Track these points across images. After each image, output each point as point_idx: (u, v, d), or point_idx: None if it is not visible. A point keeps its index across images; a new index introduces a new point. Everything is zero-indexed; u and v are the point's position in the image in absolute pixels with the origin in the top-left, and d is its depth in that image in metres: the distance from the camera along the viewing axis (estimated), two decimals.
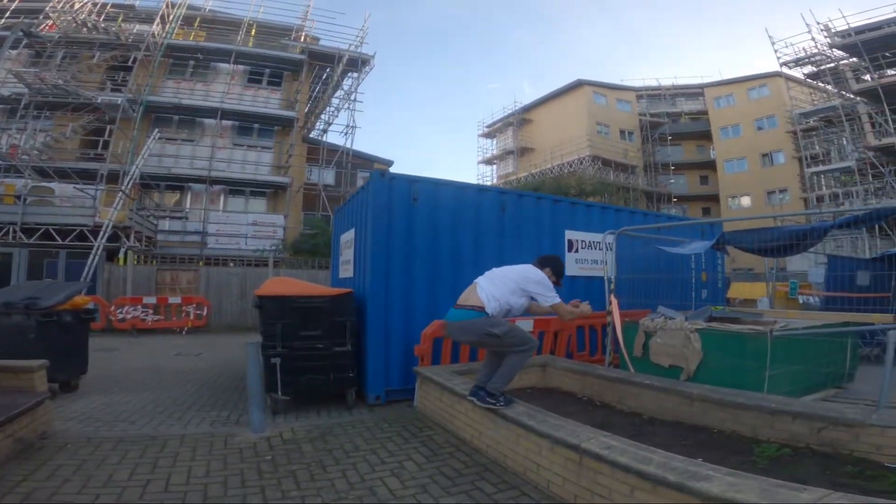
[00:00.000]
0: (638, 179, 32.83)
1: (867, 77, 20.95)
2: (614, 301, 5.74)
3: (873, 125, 20.40)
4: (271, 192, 20.76)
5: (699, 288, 7.88)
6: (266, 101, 21.23)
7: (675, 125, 34.56)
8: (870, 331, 5.90)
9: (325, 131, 23.78)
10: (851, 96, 22.03)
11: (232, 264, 16.72)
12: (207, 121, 20.12)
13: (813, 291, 10.51)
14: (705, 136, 33.25)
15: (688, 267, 7.66)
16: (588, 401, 4.69)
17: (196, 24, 21.37)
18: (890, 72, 20.26)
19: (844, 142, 23.46)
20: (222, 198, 20.21)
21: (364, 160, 23.75)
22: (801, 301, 10.86)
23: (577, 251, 7.26)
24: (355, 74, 22.62)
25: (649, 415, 4.16)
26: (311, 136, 23.90)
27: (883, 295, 8.01)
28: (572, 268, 7.15)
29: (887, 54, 20.15)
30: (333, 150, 22.16)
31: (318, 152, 21.77)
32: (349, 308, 5.23)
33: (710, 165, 33.04)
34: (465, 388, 4.04)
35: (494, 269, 3.82)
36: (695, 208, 33.41)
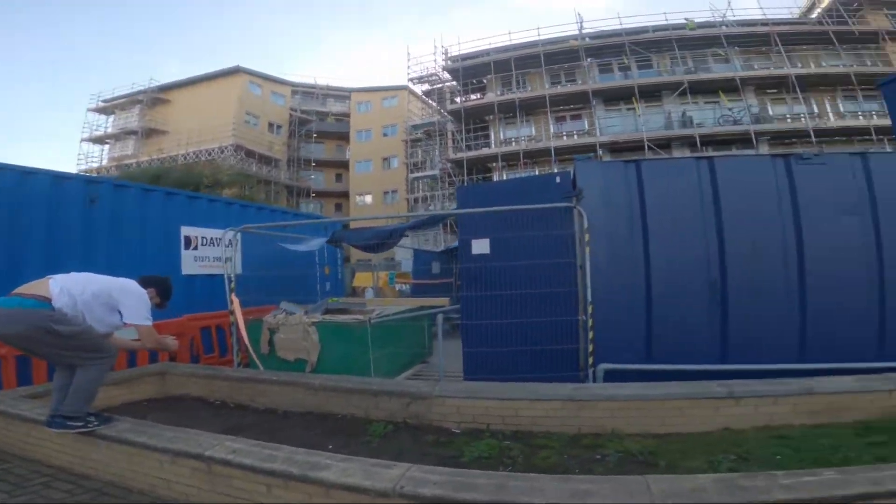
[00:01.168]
0: (281, 173, 33.40)
1: (458, 99, 27.44)
2: (235, 300, 5.56)
3: (454, 141, 27.01)
4: None
5: (323, 281, 8.57)
6: None
7: (322, 124, 36.58)
8: (435, 313, 7.74)
9: None
10: (445, 114, 28.25)
11: None
12: None
13: (407, 280, 13.25)
14: (345, 137, 36.32)
15: (312, 262, 8.19)
16: (221, 404, 4.54)
17: None
18: (473, 96, 27.14)
19: (435, 153, 30.20)
20: None
21: None
22: (397, 289, 13.52)
23: (196, 248, 6.67)
24: None
25: (283, 409, 4.26)
26: None
27: (447, 281, 10.80)
28: (191, 266, 6.57)
29: (474, 81, 26.57)
30: None
31: None
32: None
33: (345, 165, 36.51)
34: (41, 412, 3.31)
35: (83, 273, 3.18)
36: (330, 204, 36.28)
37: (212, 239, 6.85)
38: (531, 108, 24.93)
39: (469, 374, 4.92)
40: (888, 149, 17.38)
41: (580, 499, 2.01)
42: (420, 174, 30.14)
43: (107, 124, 34.14)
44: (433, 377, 5.91)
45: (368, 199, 34.80)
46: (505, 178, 23.95)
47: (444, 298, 7.32)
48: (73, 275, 3.14)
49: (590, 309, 4.30)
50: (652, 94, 23.26)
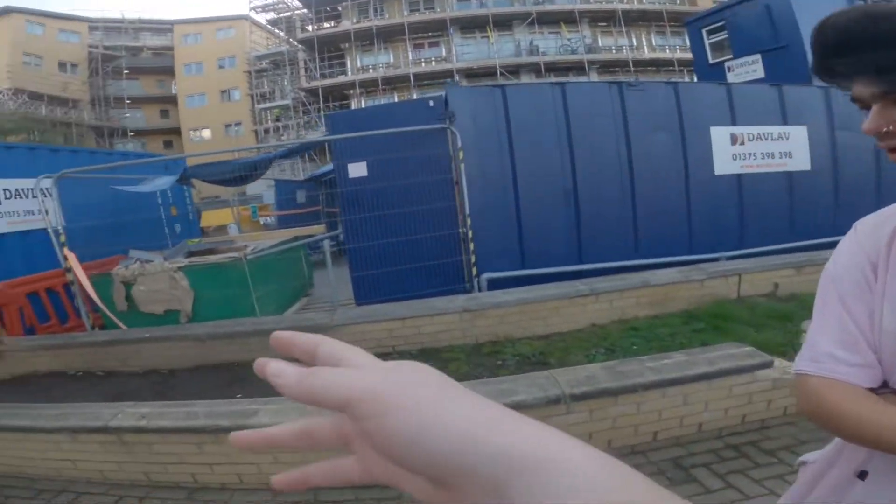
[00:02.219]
0: (83, 114, 29.10)
1: (309, 28, 25.22)
2: (71, 256, 4.69)
3: (307, 70, 25.15)
4: None
5: (171, 223, 7.63)
6: None
7: (136, 59, 32.47)
8: (315, 241, 7.51)
9: None
10: (295, 44, 26.08)
11: None
12: None
13: (270, 213, 12.27)
14: (168, 71, 32.35)
15: (155, 204, 7.21)
16: (86, 374, 4.01)
17: None
18: (326, 24, 25.13)
19: (286, 83, 27.92)
20: None
21: None
22: (262, 222, 12.50)
23: None
24: None
25: (167, 367, 3.87)
26: None
27: (316, 209, 10.46)
28: None
29: (328, 9, 24.69)
30: None
31: None
32: None
33: (172, 100, 32.41)
34: None
35: None
36: (155, 142, 32.57)
37: (17, 191, 5.58)
38: (389, 36, 24.53)
39: (361, 298, 4.98)
40: (688, 79, 20.63)
41: (507, 397, 2.29)
42: (269, 105, 28.35)
43: None
44: (323, 308, 5.84)
45: (206, 133, 31.70)
46: (364, 104, 23.72)
47: (319, 226, 7.06)
48: None
49: (468, 221, 4.58)
50: (505, 23, 24.18)
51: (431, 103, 5.12)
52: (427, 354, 3.59)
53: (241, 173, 5.70)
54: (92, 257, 5.30)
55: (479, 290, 4.57)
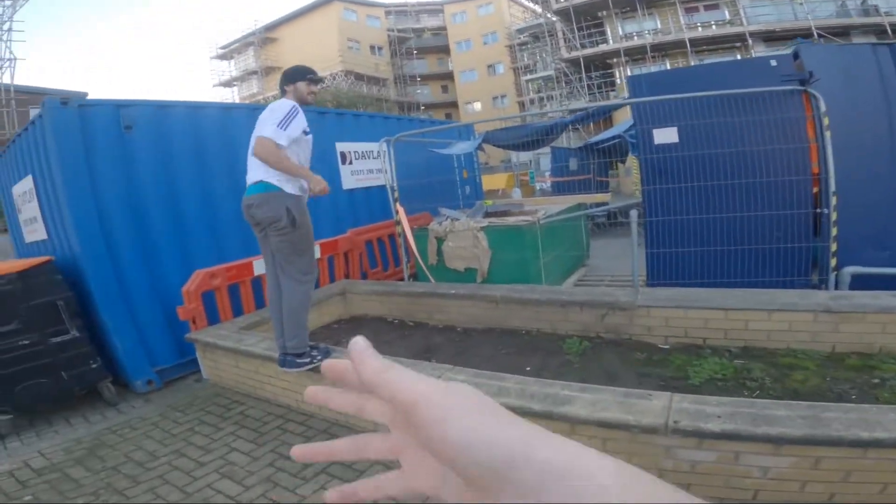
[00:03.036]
0: (389, 91, 34.42)
1: None
2: (401, 210, 5.53)
3: (566, 41, 24.78)
4: None
5: (462, 185, 8.43)
6: None
7: (420, 40, 36.82)
8: (610, 210, 7.19)
9: None
10: (549, 16, 26.02)
11: None
12: None
13: (547, 179, 12.46)
14: (444, 50, 36.39)
15: (451, 167, 8.04)
16: (400, 323, 4.43)
17: None
18: None
19: (545, 54, 28.09)
20: None
21: (37, 94, 18.03)
22: (537, 188, 12.76)
23: (350, 163, 6.81)
24: (7, 2, 17.86)
25: (462, 326, 4.08)
26: None
27: (586, 177, 10.22)
28: (349, 181, 6.73)
29: None
30: (65, 99, 15.70)
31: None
32: (53, 282, 3.72)
33: (449, 76, 36.42)
34: (266, 345, 3.36)
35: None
36: (439, 114, 37.09)
37: (363, 152, 6.95)
38: (653, 0, 21.69)
39: (654, 279, 4.55)
40: None
41: None
42: (532, 76, 28.87)
43: (231, 69, 37.05)
44: (603, 282, 5.61)
45: (478, 106, 34.77)
46: (630, 73, 22.00)
47: (603, 194, 6.76)
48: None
49: (833, 200, 3.57)
50: None
51: (774, 63, 4.25)
52: (753, 355, 2.95)
53: (534, 137, 5.83)
54: (409, 212, 6.22)
55: (836, 287, 3.57)
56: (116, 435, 3.24)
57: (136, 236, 4.20)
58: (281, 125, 2.69)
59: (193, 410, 3.51)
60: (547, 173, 12.41)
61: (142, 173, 4.25)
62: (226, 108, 5.00)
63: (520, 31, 30.64)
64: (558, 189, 10.14)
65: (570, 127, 5.92)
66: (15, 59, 17.81)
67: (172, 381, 4.27)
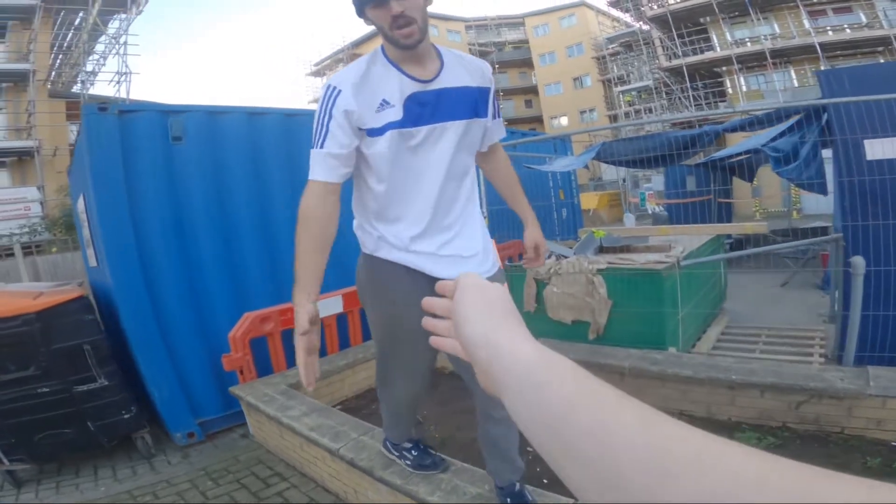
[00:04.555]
0: None
1: (658, 3, 22.99)
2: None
3: (664, 49, 22.82)
4: (14, 160, 16.94)
5: (559, 208, 7.18)
6: None
7: (501, 54, 36.26)
8: (799, 247, 5.41)
9: (86, 82, 19.26)
10: (641, 25, 24.33)
11: None
12: None
13: (661, 201, 10.28)
14: (527, 63, 35.35)
15: (547, 187, 6.83)
16: None
17: None
18: (672, 0, 22.48)
19: (641, 64, 26.15)
20: None
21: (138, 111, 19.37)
22: (649, 212, 10.67)
23: None
24: (123, 15, 18.45)
25: None
26: (72, 90, 19.30)
27: (706, 198, 8.47)
28: None
29: None
30: (103, 104, 17.24)
31: (80, 107, 16.63)
32: (80, 322, 3.09)
33: (533, 90, 35.20)
34: (312, 421, 2.68)
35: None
36: (523, 129, 35.76)
37: None
38: (767, 3, 19.27)
39: (862, 350, 3.13)
40: None
41: None
42: (626, 87, 27.07)
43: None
44: (759, 341, 4.14)
45: (564, 120, 33.29)
46: (742, 82, 19.82)
47: (758, 223, 5.19)
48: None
49: None
50: None
51: None
52: None
53: (667, 151, 4.48)
54: (499, 240, 5.21)
55: None
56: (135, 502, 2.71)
57: (181, 267, 3.56)
58: (315, 141, 1.40)
59: (227, 481, 2.93)
60: (656, 193, 10.58)
61: (191, 192, 3.61)
62: (288, 115, 4.31)
63: (610, 40, 29.08)
64: (672, 213, 8.53)
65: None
66: (130, 72, 18.00)
67: (216, 433, 3.65)
